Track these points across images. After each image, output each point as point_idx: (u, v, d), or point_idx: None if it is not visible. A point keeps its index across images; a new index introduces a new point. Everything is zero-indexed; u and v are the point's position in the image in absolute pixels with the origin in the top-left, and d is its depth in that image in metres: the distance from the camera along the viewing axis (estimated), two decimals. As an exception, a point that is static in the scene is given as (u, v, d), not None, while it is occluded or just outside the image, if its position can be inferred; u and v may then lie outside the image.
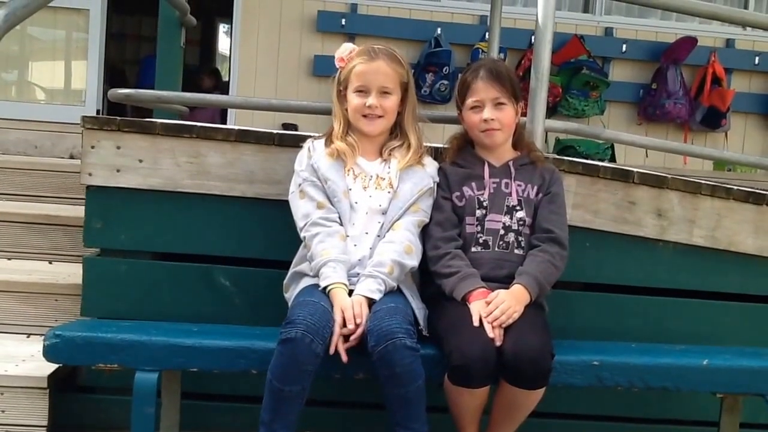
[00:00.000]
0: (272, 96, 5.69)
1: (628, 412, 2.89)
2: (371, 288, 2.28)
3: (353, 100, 2.45)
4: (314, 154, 2.46)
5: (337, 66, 2.52)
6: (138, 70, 8.82)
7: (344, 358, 2.17)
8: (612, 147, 5.84)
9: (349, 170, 2.44)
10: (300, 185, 2.44)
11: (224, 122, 6.14)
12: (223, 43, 11.57)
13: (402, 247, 2.37)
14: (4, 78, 5.67)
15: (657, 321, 2.84)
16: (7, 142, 4.97)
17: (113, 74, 7.27)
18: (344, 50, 2.51)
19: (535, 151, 2.61)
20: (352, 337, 2.19)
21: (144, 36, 9.82)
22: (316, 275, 2.33)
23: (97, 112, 5.42)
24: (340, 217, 2.39)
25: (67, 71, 5.74)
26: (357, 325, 2.19)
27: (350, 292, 2.28)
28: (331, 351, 2.16)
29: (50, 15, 5.41)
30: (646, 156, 6.04)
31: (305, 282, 2.39)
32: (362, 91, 2.44)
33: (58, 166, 4.06)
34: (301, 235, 2.40)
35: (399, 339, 2.12)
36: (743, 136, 6.41)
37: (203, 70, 8.25)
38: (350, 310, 2.21)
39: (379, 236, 2.40)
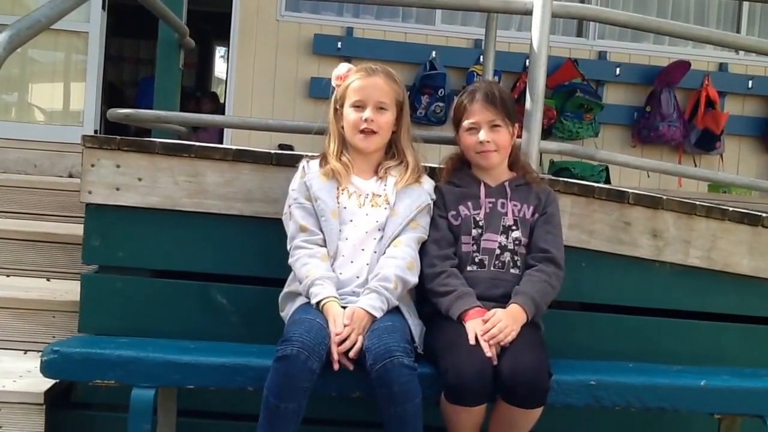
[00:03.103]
0: (269, 117, 5.71)
1: (625, 433, 2.89)
2: (374, 304, 2.29)
3: (350, 115, 2.47)
4: (308, 173, 2.48)
5: (334, 84, 2.55)
6: (136, 92, 8.87)
7: (335, 366, 2.18)
8: (607, 169, 5.87)
9: (343, 189, 2.46)
10: (290, 206, 2.47)
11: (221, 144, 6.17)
12: (220, 67, 11.66)
13: (405, 263, 2.38)
14: (5, 99, 5.71)
15: (654, 341, 2.84)
16: (7, 161, 5.00)
17: (111, 96, 7.31)
18: (342, 69, 2.55)
19: (531, 172, 2.63)
20: (351, 353, 2.20)
21: (142, 58, 9.89)
22: (307, 296, 2.35)
23: (95, 132, 5.45)
24: (325, 238, 2.41)
25: (66, 92, 5.79)
26: (348, 338, 2.20)
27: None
28: (336, 367, 2.18)
29: (51, 38, 5.45)
30: (647, 176, 6.08)
31: (301, 300, 2.40)
32: (359, 106, 2.46)
33: (57, 184, 4.08)
34: (289, 260, 2.43)
35: (397, 357, 2.13)
36: (737, 158, 6.46)
37: (204, 94, 8.31)
38: (340, 317, 2.23)
39: (376, 252, 2.42)
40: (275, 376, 2.13)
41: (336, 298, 2.30)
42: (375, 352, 2.14)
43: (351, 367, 2.20)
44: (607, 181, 5.88)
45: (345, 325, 2.21)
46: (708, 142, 6.21)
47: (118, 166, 2.65)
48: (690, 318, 2.87)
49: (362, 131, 2.46)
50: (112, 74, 8.56)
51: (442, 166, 2.64)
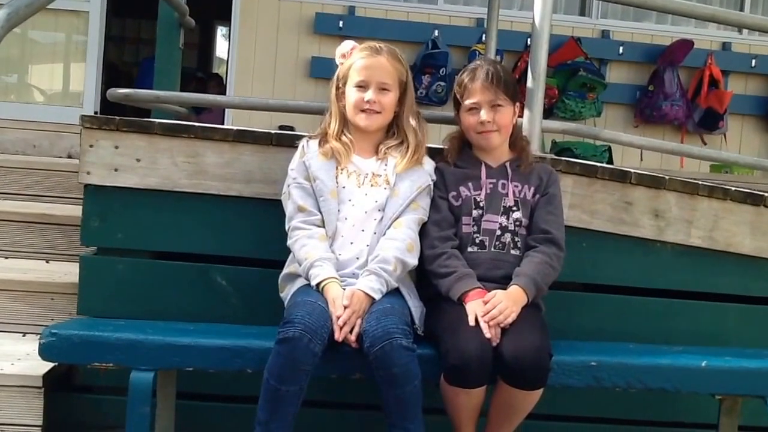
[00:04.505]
0: (269, 97, 5.68)
1: (626, 414, 2.88)
2: (373, 286, 2.27)
3: (352, 94, 2.45)
4: (308, 153, 2.46)
5: (338, 62, 2.53)
6: (136, 73, 8.83)
7: (338, 338, 2.18)
8: (609, 149, 5.84)
9: (343, 168, 2.44)
10: (289, 186, 2.45)
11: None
12: (221, 47, 11.59)
13: (404, 245, 2.37)
14: (4, 80, 5.69)
15: (655, 322, 2.84)
16: (6, 142, 5.00)
17: (113, 76, 7.28)
18: (346, 46, 2.52)
19: (528, 151, 2.60)
20: (351, 337, 2.19)
21: (143, 38, 9.84)
22: (307, 278, 2.33)
23: (95, 113, 5.43)
24: (323, 219, 2.39)
25: (66, 73, 5.77)
26: (347, 322, 2.19)
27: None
28: (337, 338, 2.17)
29: (51, 18, 5.42)
30: (642, 159, 6.04)
31: (300, 282, 2.39)
32: (362, 86, 2.44)
33: (56, 165, 4.07)
34: (287, 241, 2.41)
35: (395, 339, 2.12)
36: (740, 138, 6.43)
37: (209, 76, 8.29)
38: (340, 299, 2.22)
39: (376, 233, 2.40)
40: (277, 358, 2.12)
41: (336, 278, 2.29)
42: (373, 335, 2.14)
43: (356, 345, 2.19)
44: (610, 161, 5.85)
45: (345, 307, 2.20)
46: (711, 122, 6.17)
47: (116, 147, 2.64)
48: (691, 298, 2.86)
49: (364, 110, 2.44)
50: (114, 54, 8.52)
51: (442, 146, 2.62)
